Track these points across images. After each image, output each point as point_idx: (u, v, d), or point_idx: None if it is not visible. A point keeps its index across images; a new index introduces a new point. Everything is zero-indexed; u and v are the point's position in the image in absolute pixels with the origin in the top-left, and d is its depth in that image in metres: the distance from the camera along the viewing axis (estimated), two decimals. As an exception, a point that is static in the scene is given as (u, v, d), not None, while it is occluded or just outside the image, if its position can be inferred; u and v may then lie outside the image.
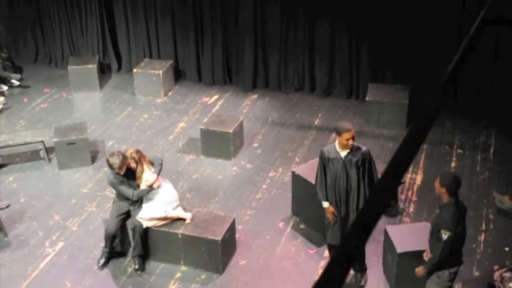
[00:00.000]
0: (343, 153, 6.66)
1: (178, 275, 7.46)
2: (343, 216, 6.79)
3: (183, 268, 7.54)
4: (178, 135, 10.62)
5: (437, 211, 6.02)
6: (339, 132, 6.60)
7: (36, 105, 11.77)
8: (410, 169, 9.22)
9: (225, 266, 7.48)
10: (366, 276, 7.14)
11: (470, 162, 9.55)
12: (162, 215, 7.43)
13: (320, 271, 7.12)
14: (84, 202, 8.84)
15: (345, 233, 6.76)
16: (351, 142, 6.57)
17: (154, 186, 7.39)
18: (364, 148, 6.76)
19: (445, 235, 5.72)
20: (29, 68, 13.28)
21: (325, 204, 6.85)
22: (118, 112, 11.46)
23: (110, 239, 7.56)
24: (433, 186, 6.14)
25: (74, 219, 8.48)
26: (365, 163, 6.67)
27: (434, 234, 5.91)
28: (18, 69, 12.96)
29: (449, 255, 5.85)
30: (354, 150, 6.65)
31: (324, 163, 6.77)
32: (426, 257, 6.24)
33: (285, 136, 10.48)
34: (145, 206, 7.43)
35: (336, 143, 6.71)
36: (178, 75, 12.57)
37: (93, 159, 9.81)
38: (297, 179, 8.19)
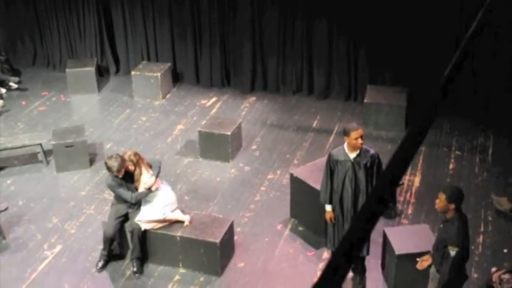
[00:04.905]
0: (352, 155, 6.57)
1: (177, 277, 7.46)
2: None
3: (182, 270, 7.54)
4: (176, 137, 10.62)
5: (441, 226, 5.83)
6: (346, 133, 6.53)
7: (34, 108, 11.76)
8: (409, 171, 9.23)
9: (223, 269, 7.48)
10: (365, 278, 7.12)
11: (468, 164, 9.55)
12: (161, 217, 7.42)
13: (319, 273, 7.10)
14: (83, 205, 8.83)
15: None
16: (360, 141, 6.49)
17: (153, 188, 7.38)
18: (372, 151, 6.69)
19: (452, 251, 5.60)
20: (27, 70, 13.26)
21: (328, 207, 6.79)
22: (116, 115, 11.45)
23: (109, 241, 7.55)
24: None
25: (72, 222, 8.47)
26: (373, 166, 6.60)
27: (440, 250, 5.78)
28: (16, 72, 12.95)
29: (458, 272, 5.71)
30: (363, 152, 6.58)
31: (332, 166, 6.68)
32: (420, 263, 6.14)
33: (283, 138, 10.47)
34: (143, 208, 7.42)
35: (345, 145, 6.63)
36: (176, 77, 12.56)
37: (91, 161, 9.80)
38: (295, 181, 8.18)
